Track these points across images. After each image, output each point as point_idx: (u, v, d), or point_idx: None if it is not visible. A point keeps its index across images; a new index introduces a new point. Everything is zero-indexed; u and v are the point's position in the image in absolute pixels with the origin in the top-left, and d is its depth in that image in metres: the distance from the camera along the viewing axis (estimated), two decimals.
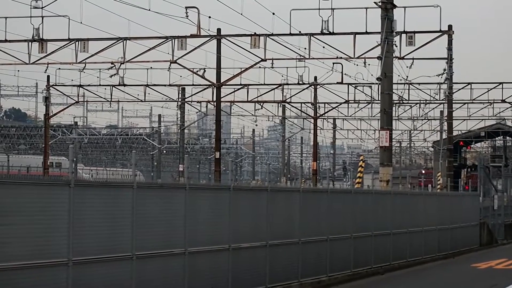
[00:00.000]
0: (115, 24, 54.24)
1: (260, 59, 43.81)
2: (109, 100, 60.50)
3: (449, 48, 42.71)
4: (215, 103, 49.15)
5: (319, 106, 64.05)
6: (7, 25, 42.60)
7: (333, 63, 48.34)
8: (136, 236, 16.51)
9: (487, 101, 63.16)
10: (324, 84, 56.97)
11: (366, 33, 38.39)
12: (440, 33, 38.69)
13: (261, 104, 62.69)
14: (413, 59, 41.16)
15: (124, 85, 53.63)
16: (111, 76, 48.96)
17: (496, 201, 48.99)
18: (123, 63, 45.66)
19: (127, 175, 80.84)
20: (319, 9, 38.28)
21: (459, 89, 57.74)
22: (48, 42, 42.88)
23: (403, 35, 37.75)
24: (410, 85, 58.19)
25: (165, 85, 56.52)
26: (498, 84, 59.55)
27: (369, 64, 41.57)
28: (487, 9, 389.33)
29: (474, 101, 62.20)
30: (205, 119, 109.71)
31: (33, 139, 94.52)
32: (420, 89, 59.63)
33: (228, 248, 19.56)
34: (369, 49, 39.31)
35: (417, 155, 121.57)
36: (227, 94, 56.69)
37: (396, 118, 67.33)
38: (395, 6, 33.09)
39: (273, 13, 39.85)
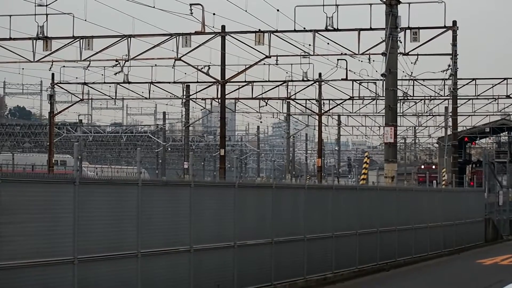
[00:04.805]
0: (119, 22, 54.28)
1: (265, 56, 43.79)
2: (114, 97, 60.64)
3: (454, 44, 42.67)
4: (219, 100, 49.12)
5: (323, 103, 64.04)
6: (12, 23, 42.74)
7: (338, 60, 48.35)
8: (142, 233, 16.52)
9: (491, 97, 63.07)
10: (328, 80, 56.96)
11: (371, 29, 38.30)
12: (444, 29, 38.59)
13: (266, 101, 62.64)
14: (417, 55, 41.20)
15: (129, 82, 53.72)
16: (116, 73, 49.03)
17: (501, 197, 48.86)
18: (128, 61, 45.69)
19: (132, 173, 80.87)
20: (323, 5, 38.22)
21: (464, 85, 57.59)
22: (53, 40, 42.88)
23: (408, 31, 37.65)
24: (415, 81, 58.19)
25: (169, 83, 56.58)
26: (502, 79, 59.44)
27: (373, 60, 41.56)
28: (492, 4, 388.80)
29: (478, 97, 62.15)
30: (210, 116, 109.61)
31: (38, 137, 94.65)
32: (424, 85, 59.69)
33: (233, 245, 19.56)
34: (373, 45, 39.24)
35: (422, 151, 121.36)
36: (232, 91, 56.72)
37: (401, 114, 67.24)
38: (399, 2, 33.05)
39: (278, 10, 39.81)
